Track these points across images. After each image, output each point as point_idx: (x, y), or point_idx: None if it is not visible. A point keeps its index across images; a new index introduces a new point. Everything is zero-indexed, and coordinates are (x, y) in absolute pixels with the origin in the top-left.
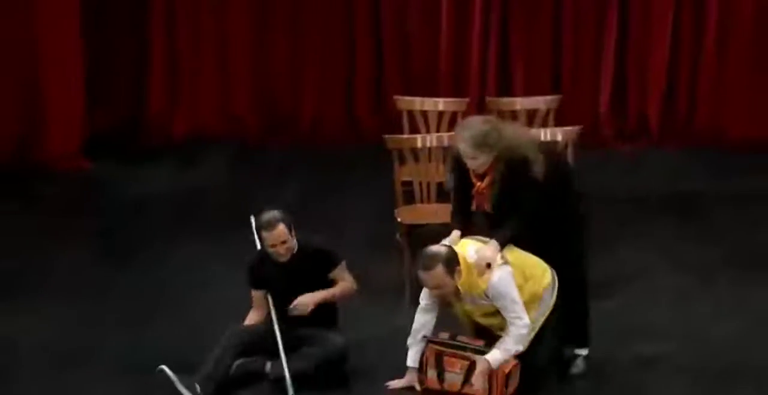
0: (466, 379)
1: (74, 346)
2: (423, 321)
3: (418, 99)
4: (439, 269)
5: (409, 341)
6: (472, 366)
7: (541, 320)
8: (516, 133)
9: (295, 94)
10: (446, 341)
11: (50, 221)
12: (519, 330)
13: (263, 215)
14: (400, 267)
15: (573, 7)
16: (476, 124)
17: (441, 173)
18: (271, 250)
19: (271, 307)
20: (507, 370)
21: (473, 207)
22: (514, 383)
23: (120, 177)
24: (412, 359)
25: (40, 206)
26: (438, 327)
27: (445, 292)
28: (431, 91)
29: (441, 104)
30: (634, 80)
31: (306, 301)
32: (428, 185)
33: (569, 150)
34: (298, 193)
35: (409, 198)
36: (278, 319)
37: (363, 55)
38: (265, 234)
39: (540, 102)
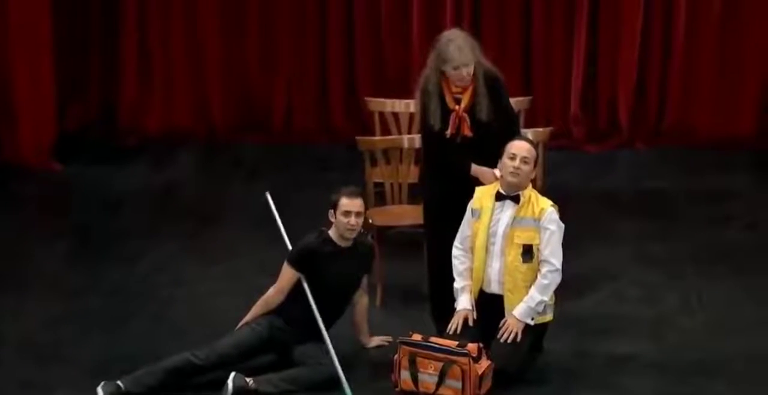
0: (441, 380)
1: (52, 344)
2: (465, 264)
3: (389, 101)
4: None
5: (456, 285)
6: (446, 368)
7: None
8: None
9: (267, 92)
10: (419, 342)
11: (26, 220)
12: (544, 279)
13: (343, 188)
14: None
15: (543, 9)
16: (458, 34)
17: (413, 175)
18: (342, 220)
19: (308, 293)
20: (481, 371)
21: (452, 135)
22: (487, 384)
23: (94, 175)
24: (463, 303)
25: (15, 205)
26: (410, 329)
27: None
28: (404, 92)
29: (412, 105)
30: (604, 81)
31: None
32: (399, 186)
33: (540, 151)
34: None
35: (381, 200)
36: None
37: (335, 55)
38: (345, 201)
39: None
